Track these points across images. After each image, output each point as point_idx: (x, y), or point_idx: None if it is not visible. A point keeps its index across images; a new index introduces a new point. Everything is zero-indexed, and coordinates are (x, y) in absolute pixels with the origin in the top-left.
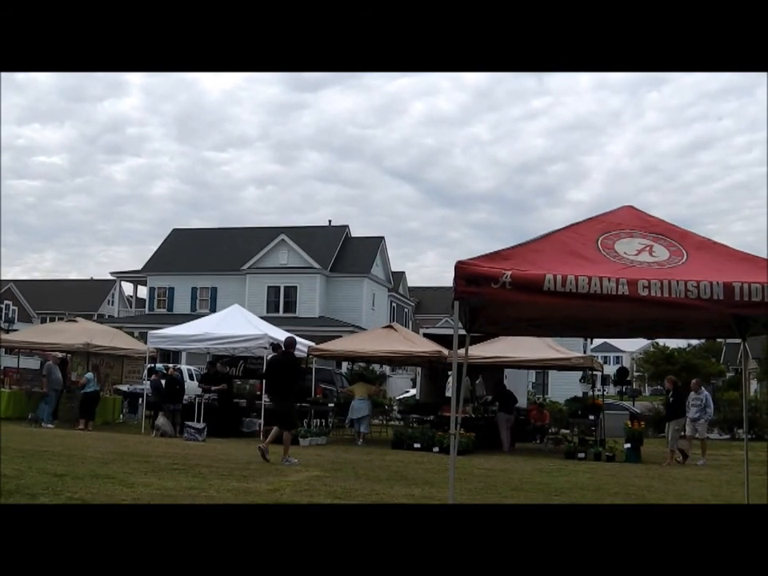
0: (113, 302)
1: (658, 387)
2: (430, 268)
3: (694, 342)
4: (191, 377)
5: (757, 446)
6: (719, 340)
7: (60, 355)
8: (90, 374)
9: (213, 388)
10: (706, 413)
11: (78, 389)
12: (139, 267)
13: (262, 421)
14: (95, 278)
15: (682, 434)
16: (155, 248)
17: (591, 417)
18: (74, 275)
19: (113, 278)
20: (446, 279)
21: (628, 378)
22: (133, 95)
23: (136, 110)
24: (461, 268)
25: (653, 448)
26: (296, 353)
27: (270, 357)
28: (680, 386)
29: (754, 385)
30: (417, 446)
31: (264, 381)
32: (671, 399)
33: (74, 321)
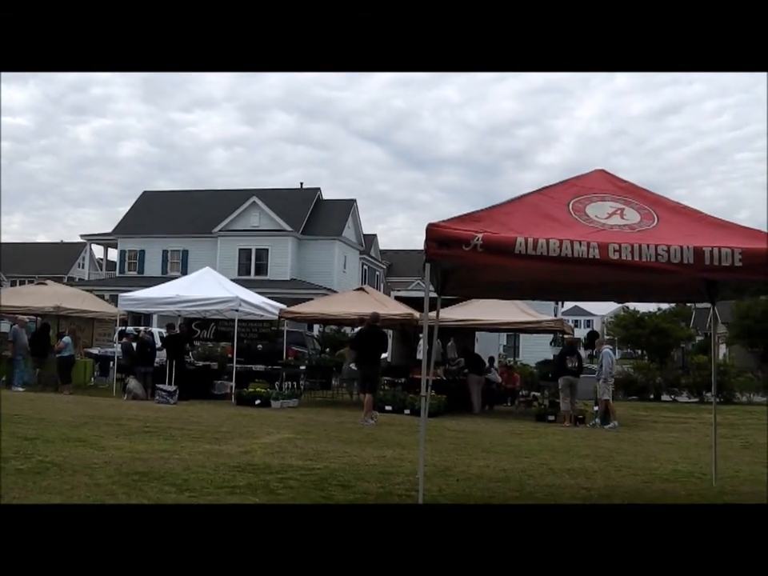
0: (83, 264)
1: (628, 351)
2: (399, 230)
3: (664, 306)
4: (162, 340)
5: (725, 410)
6: (689, 304)
7: (27, 319)
8: (67, 338)
9: None
10: (602, 373)
11: (54, 353)
12: (109, 230)
13: (233, 383)
14: (65, 240)
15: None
16: (125, 210)
17: (558, 380)
18: (42, 238)
19: (83, 240)
20: (416, 242)
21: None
22: None
23: None
24: (432, 230)
25: (622, 411)
26: (267, 315)
27: (357, 329)
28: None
29: (722, 349)
30: (388, 408)
31: (352, 349)
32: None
33: (44, 284)
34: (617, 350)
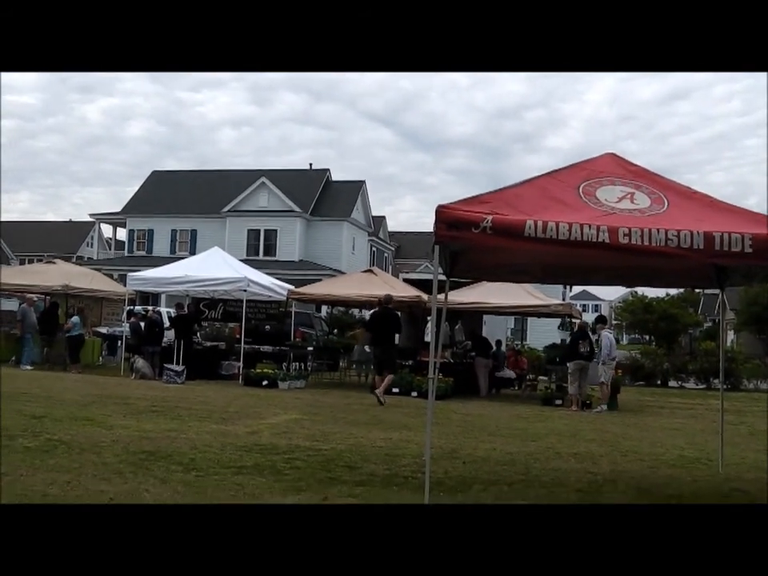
0: (92, 244)
1: (636, 336)
2: (407, 213)
3: (673, 291)
4: (170, 319)
5: (732, 396)
6: (697, 290)
7: (35, 298)
8: (76, 318)
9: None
10: (602, 355)
11: (63, 332)
12: (116, 209)
13: (241, 364)
14: (74, 219)
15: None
16: (132, 190)
17: (568, 364)
18: (49, 216)
19: (92, 219)
20: (423, 224)
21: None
22: None
23: None
24: (442, 212)
25: (630, 396)
26: (275, 296)
27: (372, 311)
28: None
29: (730, 335)
30: (395, 390)
31: (368, 332)
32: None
33: (53, 263)
34: (624, 335)
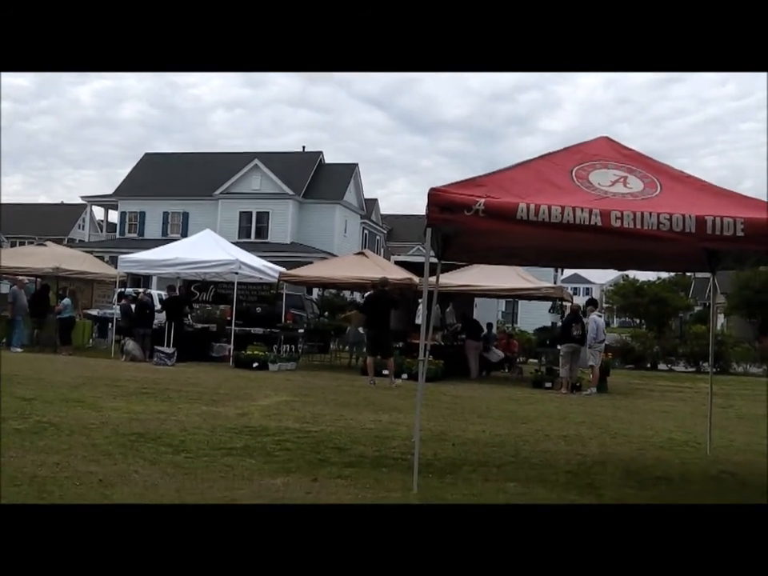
0: (83, 226)
1: (627, 319)
2: (400, 195)
3: (664, 275)
4: (161, 302)
5: (721, 380)
6: (688, 274)
7: (26, 280)
8: (67, 300)
9: None
10: (588, 339)
11: (54, 314)
12: (108, 191)
13: (231, 346)
14: (66, 201)
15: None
16: (125, 172)
17: (558, 347)
18: (42, 199)
19: (83, 202)
20: (417, 207)
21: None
22: None
23: None
24: (434, 195)
25: (620, 379)
26: (267, 278)
27: (367, 294)
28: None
29: (720, 319)
30: (385, 372)
31: (363, 314)
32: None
33: (44, 245)
34: (615, 319)
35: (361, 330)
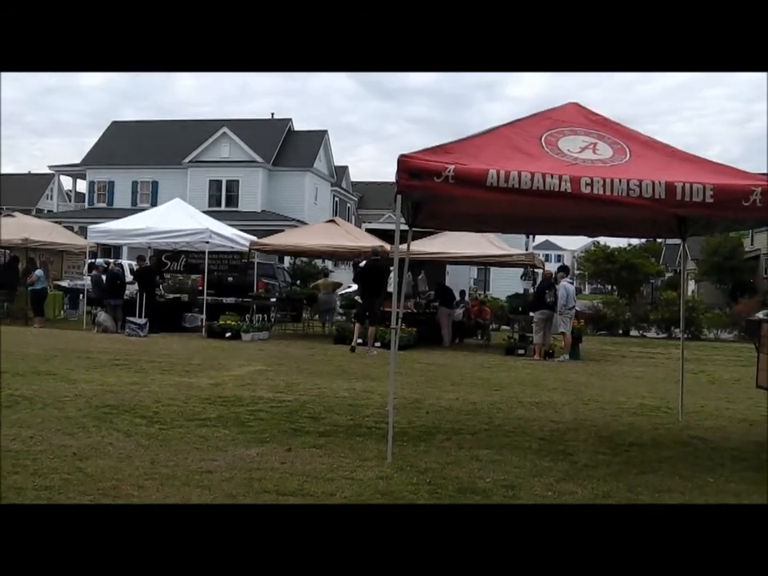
0: (51, 196)
1: (598, 286)
2: (367, 162)
3: (635, 241)
4: (132, 272)
5: (692, 346)
6: (659, 240)
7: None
8: (40, 271)
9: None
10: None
11: (26, 286)
12: (76, 161)
13: (204, 316)
14: (33, 171)
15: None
16: (91, 141)
17: (531, 314)
18: (9, 168)
19: (51, 171)
20: (384, 174)
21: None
22: None
23: None
24: (403, 162)
25: (592, 345)
26: (238, 247)
27: (361, 263)
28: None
29: (691, 285)
30: (359, 341)
31: (356, 283)
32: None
33: (12, 216)
34: (586, 285)
35: (331, 296)
